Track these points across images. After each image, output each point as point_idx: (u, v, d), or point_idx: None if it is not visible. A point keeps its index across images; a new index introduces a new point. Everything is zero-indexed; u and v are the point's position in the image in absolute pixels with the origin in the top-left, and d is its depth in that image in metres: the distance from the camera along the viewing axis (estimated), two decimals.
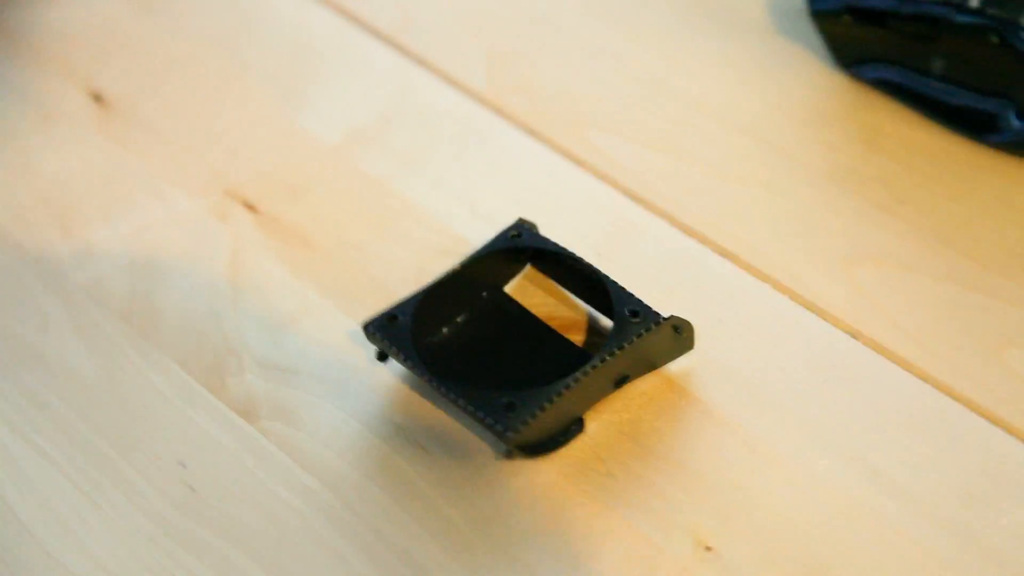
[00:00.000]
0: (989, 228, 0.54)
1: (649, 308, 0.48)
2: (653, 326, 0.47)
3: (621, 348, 0.47)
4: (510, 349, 0.50)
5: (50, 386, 0.51)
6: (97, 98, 0.61)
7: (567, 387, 0.46)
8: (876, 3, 0.58)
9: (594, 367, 0.46)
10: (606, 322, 0.50)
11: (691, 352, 0.50)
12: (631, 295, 0.48)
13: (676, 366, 0.50)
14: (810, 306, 0.52)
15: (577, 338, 0.51)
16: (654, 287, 0.52)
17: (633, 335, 0.47)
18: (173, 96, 0.61)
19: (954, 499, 0.45)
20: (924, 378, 0.49)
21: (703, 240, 0.55)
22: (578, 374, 0.46)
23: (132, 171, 0.58)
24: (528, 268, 0.52)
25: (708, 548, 0.45)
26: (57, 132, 0.60)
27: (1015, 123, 0.56)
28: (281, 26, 0.64)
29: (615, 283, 0.48)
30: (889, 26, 0.58)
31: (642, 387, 0.49)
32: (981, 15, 0.55)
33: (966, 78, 0.57)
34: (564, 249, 0.50)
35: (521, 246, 0.51)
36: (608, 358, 0.46)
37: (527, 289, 0.52)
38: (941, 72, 0.57)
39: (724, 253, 0.54)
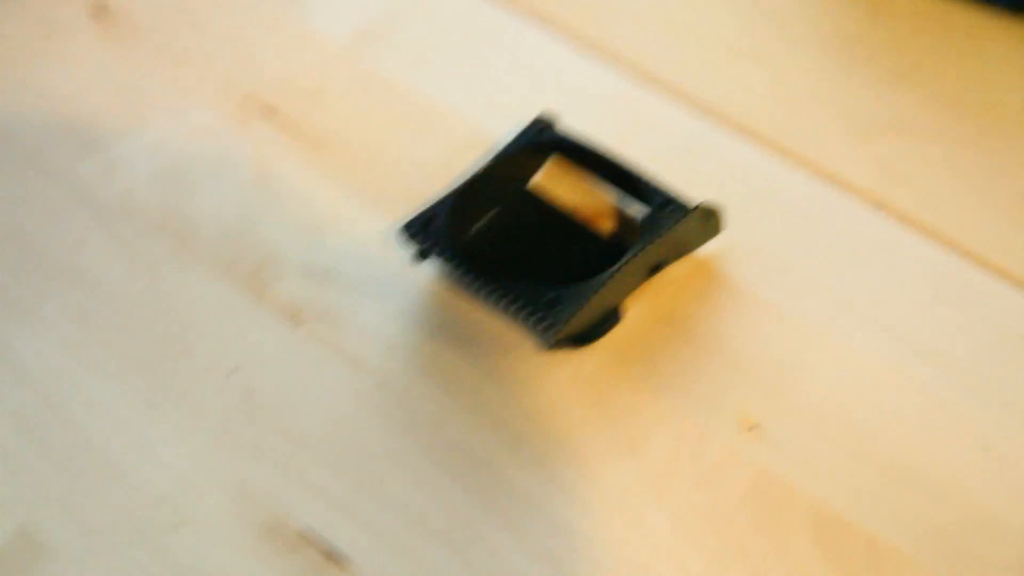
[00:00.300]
0: (1001, 91, 0.55)
1: (678, 198, 0.49)
2: (685, 214, 0.48)
3: (657, 238, 0.48)
4: (541, 242, 0.51)
5: (95, 303, 0.51)
6: (100, 10, 0.61)
7: (608, 279, 0.47)
8: None
9: (631, 259, 0.47)
10: (632, 210, 0.51)
11: (725, 237, 0.51)
12: (660, 186, 0.49)
13: (705, 249, 0.51)
14: (833, 180, 0.53)
15: (605, 226, 0.52)
16: (675, 170, 0.53)
17: (666, 225, 0.48)
18: (177, 4, 0.61)
19: (986, 362, 0.47)
20: (950, 245, 0.51)
21: (720, 119, 0.55)
22: (616, 267, 0.47)
23: (146, 83, 0.58)
24: (552, 159, 0.52)
25: (753, 427, 0.46)
26: (65, 47, 0.60)
27: None
28: None
29: (643, 175, 0.49)
30: None
31: (674, 273, 0.50)
32: None
33: None
34: (589, 143, 0.51)
35: (546, 140, 0.51)
36: (644, 249, 0.47)
37: (552, 180, 0.53)
38: None
39: (742, 131, 0.55)
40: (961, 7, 0.57)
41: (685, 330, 0.49)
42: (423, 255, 0.50)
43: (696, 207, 0.49)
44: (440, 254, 0.49)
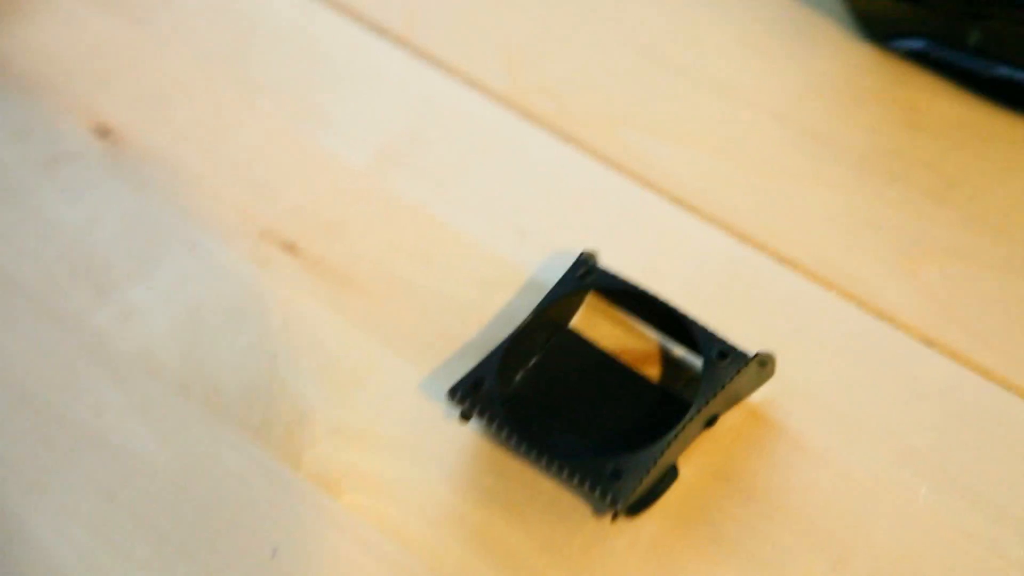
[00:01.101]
0: None
1: (736, 347, 0.47)
2: (745, 364, 0.46)
3: (715, 394, 0.46)
4: (589, 389, 0.49)
5: (119, 475, 0.49)
6: (104, 132, 0.58)
7: (669, 444, 0.45)
8: None
9: (693, 416, 0.45)
10: (678, 352, 0.50)
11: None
12: (715, 334, 0.47)
13: (757, 394, 0.49)
14: (881, 314, 0.52)
15: (652, 371, 0.50)
16: (716, 304, 0.52)
17: (726, 377, 0.46)
18: (184, 123, 0.58)
19: None
20: (1009, 388, 0.49)
21: (760, 247, 0.54)
22: (679, 427, 0.45)
23: (156, 216, 0.56)
24: (591, 295, 0.50)
25: None
26: (68, 176, 0.57)
27: None
28: (286, 33, 0.61)
29: (697, 322, 0.47)
30: (925, 2, 0.56)
31: (728, 423, 0.49)
32: None
33: (1007, 52, 0.56)
34: (636, 287, 0.49)
35: (591, 283, 0.49)
36: (706, 404, 0.46)
37: (592, 319, 0.51)
38: (981, 45, 0.56)
39: (784, 260, 0.53)
40: (1003, 117, 0.56)
41: (743, 486, 0.48)
42: (467, 416, 0.48)
43: (755, 356, 0.47)
44: (491, 424, 0.47)
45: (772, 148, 0.56)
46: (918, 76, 0.58)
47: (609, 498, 0.45)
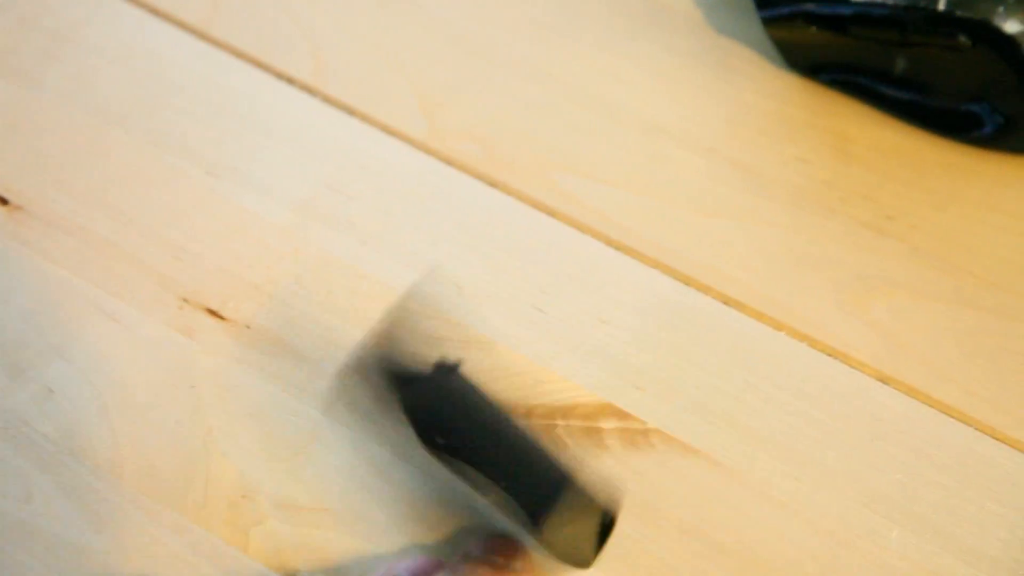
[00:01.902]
0: (982, 237, 0.54)
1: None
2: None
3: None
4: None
5: (52, 565, 0.46)
6: (1, 201, 0.54)
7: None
8: (835, 10, 0.55)
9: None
10: None
11: (722, 420, 0.49)
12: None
13: (718, 444, 0.48)
14: (833, 352, 0.51)
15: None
16: (665, 351, 0.51)
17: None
18: (88, 188, 0.55)
19: None
20: (969, 423, 0.48)
21: (704, 290, 0.52)
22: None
23: (69, 288, 0.52)
24: None
25: None
26: None
27: (989, 121, 0.55)
28: (191, 86, 0.58)
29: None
30: (850, 33, 0.55)
31: (688, 476, 0.47)
32: (949, 18, 0.53)
33: (935, 79, 0.55)
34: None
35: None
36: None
37: None
38: (907, 75, 0.55)
39: (730, 302, 0.52)
40: (934, 143, 0.55)
41: (713, 542, 0.47)
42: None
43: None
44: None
45: (706, 185, 0.55)
46: (845, 105, 0.57)
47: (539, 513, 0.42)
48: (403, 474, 0.47)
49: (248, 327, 0.51)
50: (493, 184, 0.55)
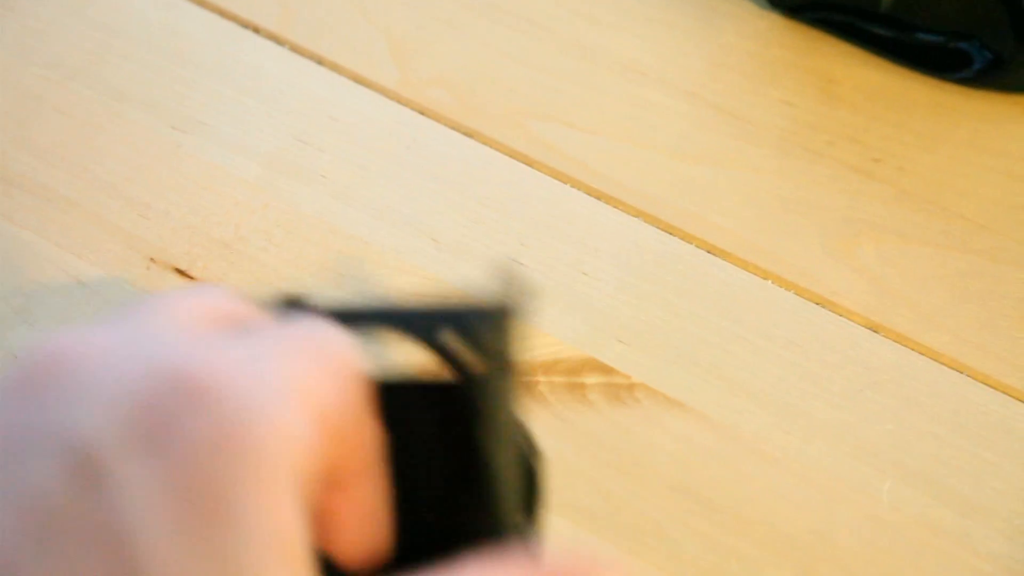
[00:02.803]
0: (971, 179, 0.52)
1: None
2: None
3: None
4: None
5: None
6: None
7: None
8: None
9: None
10: None
11: (709, 374, 0.48)
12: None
13: (705, 397, 0.46)
14: (821, 300, 0.49)
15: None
16: (649, 301, 0.49)
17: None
18: (48, 144, 0.53)
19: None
20: (960, 369, 0.47)
21: (687, 238, 0.51)
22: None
23: (31, 250, 0.50)
24: None
25: None
26: None
27: (978, 58, 0.53)
28: (150, 36, 0.56)
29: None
30: None
31: (678, 431, 0.46)
32: None
33: (922, 17, 0.54)
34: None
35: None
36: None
37: None
38: (893, 12, 0.54)
39: (714, 250, 0.50)
40: (920, 82, 0.54)
41: (702, 498, 0.45)
42: None
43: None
44: None
45: (688, 130, 0.53)
46: (830, 44, 0.56)
47: None
48: None
49: (218, 286, 0.49)
50: (468, 134, 0.53)
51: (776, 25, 0.56)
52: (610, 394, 0.46)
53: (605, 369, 0.47)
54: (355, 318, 0.35)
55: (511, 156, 0.52)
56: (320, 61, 0.55)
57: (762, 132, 0.53)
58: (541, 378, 0.47)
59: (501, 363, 0.34)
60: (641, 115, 0.54)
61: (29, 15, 0.55)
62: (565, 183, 0.52)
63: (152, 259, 0.50)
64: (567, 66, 0.55)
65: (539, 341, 0.48)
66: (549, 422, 0.45)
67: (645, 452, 0.46)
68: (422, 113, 0.54)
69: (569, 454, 0.45)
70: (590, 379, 0.47)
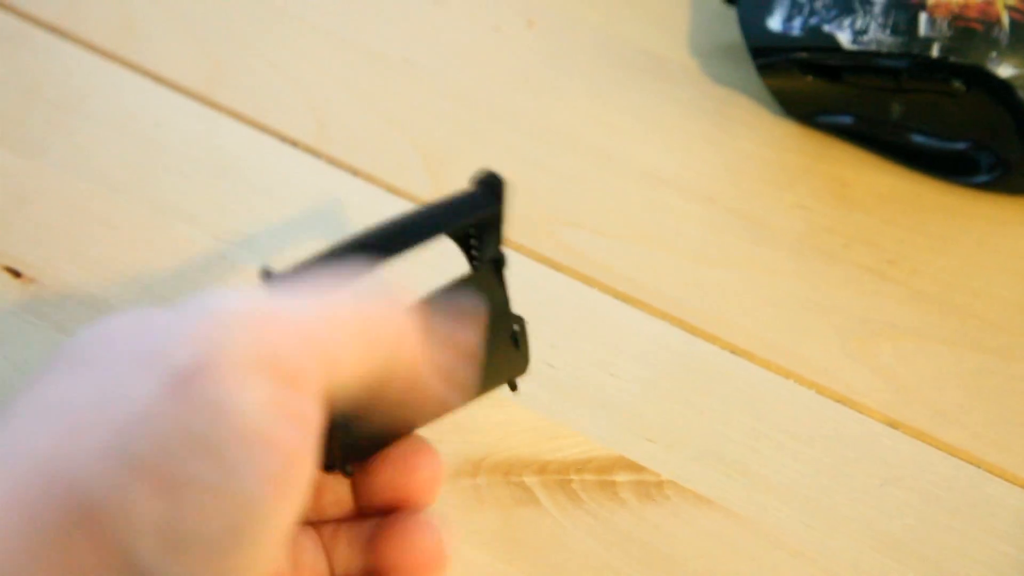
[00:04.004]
0: (983, 279, 0.55)
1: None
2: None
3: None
4: None
5: None
6: (14, 273, 0.55)
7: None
8: (828, 59, 0.56)
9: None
10: None
11: (734, 470, 0.50)
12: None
13: (728, 493, 0.48)
14: (840, 398, 0.51)
15: None
16: (674, 402, 0.51)
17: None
18: (98, 258, 0.55)
19: None
20: (979, 465, 0.49)
21: (711, 339, 0.53)
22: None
23: None
24: None
25: None
26: None
27: (986, 164, 0.55)
28: (192, 151, 0.58)
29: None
30: (845, 80, 0.56)
31: (702, 527, 0.48)
32: (943, 64, 0.54)
33: (931, 124, 0.56)
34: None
35: None
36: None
37: None
38: (903, 120, 0.56)
39: (737, 351, 0.53)
40: (931, 185, 0.56)
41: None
42: None
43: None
44: None
45: (707, 234, 0.56)
46: (843, 150, 0.58)
47: None
48: None
49: None
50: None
51: (791, 132, 0.59)
52: (640, 492, 0.48)
53: (635, 467, 0.49)
54: (366, 246, 0.40)
55: (539, 261, 0.55)
56: (355, 173, 0.58)
57: (779, 235, 0.56)
58: (573, 476, 0.49)
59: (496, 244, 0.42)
60: (662, 220, 0.56)
61: (79, 133, 0.58)
62: (592, 286, 0.54)
63: None
64: (591, 174, 0.58)
65: (570, 440, 0.50)
66: (581, 519, 0.47)
67: (674, 547, 0.47)
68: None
69: (600, 551, 0.47)
70: (621, 477, 0.49)
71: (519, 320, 0.44)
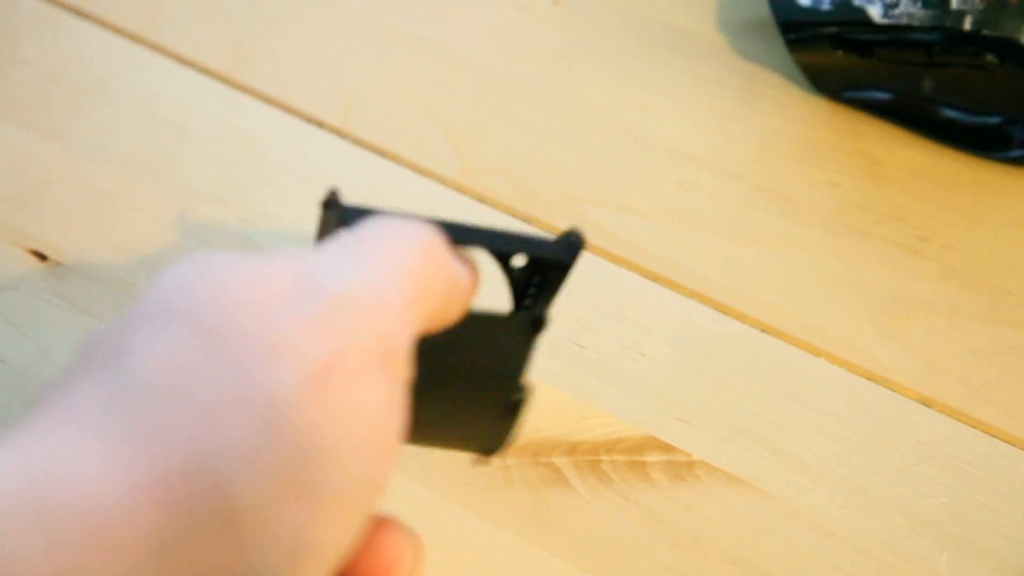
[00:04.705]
0: (1016, 255, 0.54)
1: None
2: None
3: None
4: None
5: None
6: (40, 257, 0.55)
7: None
8: (859, 33, 0.55)
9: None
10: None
11: (765, 449, 0.50)
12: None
13: (763, 473, 0.48)
14: (873, 377, 0.51)
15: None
16: (704, 380, 0.51)
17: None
18: (124, 241, 0.55)
19: None
20: (1014, 442, 0.49)
21: (741, 317, 0.52)
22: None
23: None
24: None
25: None
26: (9, 307, 0.54)
27: (1019, 138, 0.55)
28: (218, 133, 0.58)
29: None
30: (876, 55, 0.56)
31: (736, 507, 0.47)
32: (976, 37, 0.53)
33: (963, 98, 0.55)
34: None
35: None
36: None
37: None
38: (935, 94, 0.56)
39: (767, 329, 0.52)
40: (962, 160, 0.56)
41: (761, 572, 0.46)
42: None
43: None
44: None
45: (737, 212, 0.55)
46: (873, 126, 0.58)
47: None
48: None
49: None
50: (526, 219, 0.55)
51: (820, 108, 0.58)
52: (671, 472, 0.48)
53: (665, 447, 0.48)
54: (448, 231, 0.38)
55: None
56: (382, 153, 0.57)
57: (810, 212, 0.55)
58: (604, 457, 0.48)
59: (547, 303, 0.39)
60: (692, 198, 0.56)
61: (105, 117, 0.58)
62: (621, 266, 0.54)
63: None
64: (619, 152, 0.57)
65: (600, 421, 0.49)
66: (612, 500, 0.47)
67: (706, 528, 0.47)
68: (481, 200, 0.56)
69: (631, 531, 0.46)
70: (651, 457, 0.48)
71: (526, 391, 0.39)
